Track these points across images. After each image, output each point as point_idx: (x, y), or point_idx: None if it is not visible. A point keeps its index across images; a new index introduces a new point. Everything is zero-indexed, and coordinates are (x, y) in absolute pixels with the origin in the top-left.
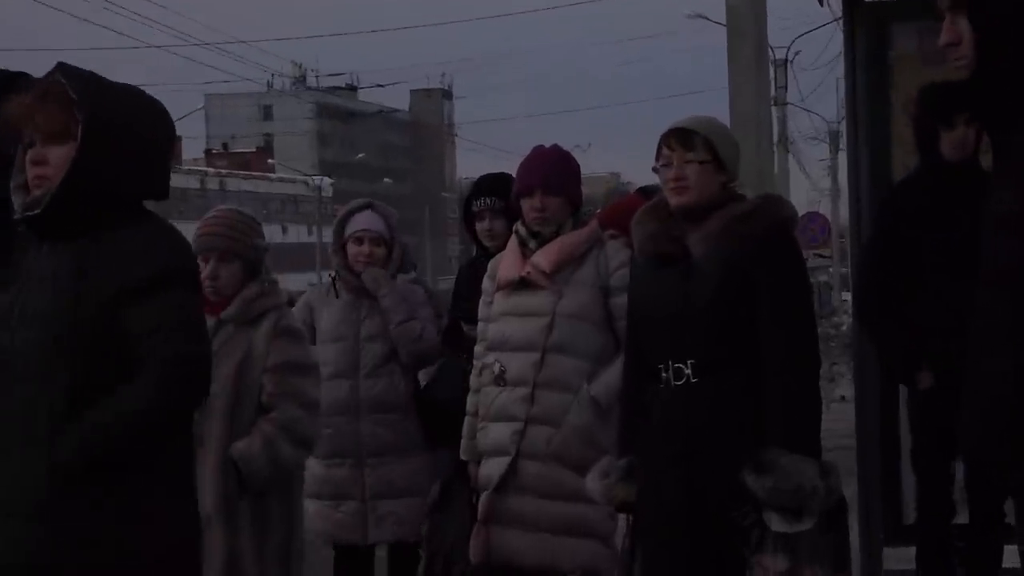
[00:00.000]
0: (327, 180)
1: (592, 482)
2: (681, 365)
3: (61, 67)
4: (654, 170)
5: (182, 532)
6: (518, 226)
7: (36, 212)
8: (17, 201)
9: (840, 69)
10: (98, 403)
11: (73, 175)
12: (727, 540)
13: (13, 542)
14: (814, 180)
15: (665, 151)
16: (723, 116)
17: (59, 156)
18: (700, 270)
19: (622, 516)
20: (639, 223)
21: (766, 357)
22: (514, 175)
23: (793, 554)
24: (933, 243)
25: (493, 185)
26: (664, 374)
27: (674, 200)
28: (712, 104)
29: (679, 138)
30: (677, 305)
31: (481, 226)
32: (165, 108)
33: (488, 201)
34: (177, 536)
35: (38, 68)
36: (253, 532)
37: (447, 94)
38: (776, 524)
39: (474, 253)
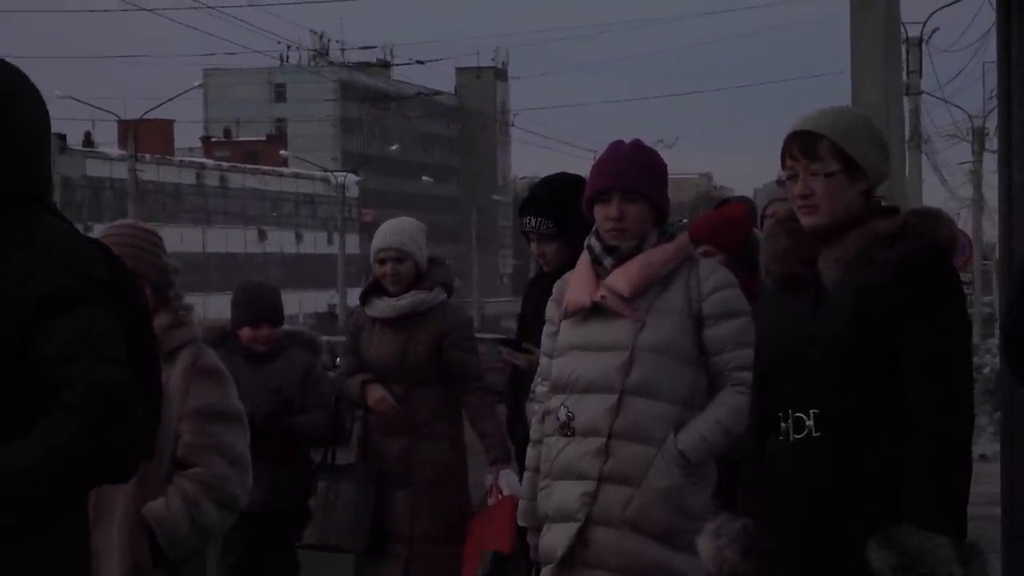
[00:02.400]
0: (352, 177)
1: (703, 542)
2: (802, 415)
3: None
4: (779, 183)
5: None
6: (591, 239)
7: None
8: None
9: (989, 51)
10: (9, 445)
11: None
12: None
13: None
14: (952, 187)
15: (789, 161)
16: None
17: None
18: (831, 300)
19: None
20: (770, 237)
21: (910, 409)
22: (582, 175)
23: None
24: None
25: (544, 202)
26: (783, 424)
27: (804, 220)
28: (831, 91)
29: (802, 145)
30: (802, 341)
31: (533, 247)
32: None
33: (533, 222)
34: None
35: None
36: None
37: (501, 74)
38: None
39: (536, 270)
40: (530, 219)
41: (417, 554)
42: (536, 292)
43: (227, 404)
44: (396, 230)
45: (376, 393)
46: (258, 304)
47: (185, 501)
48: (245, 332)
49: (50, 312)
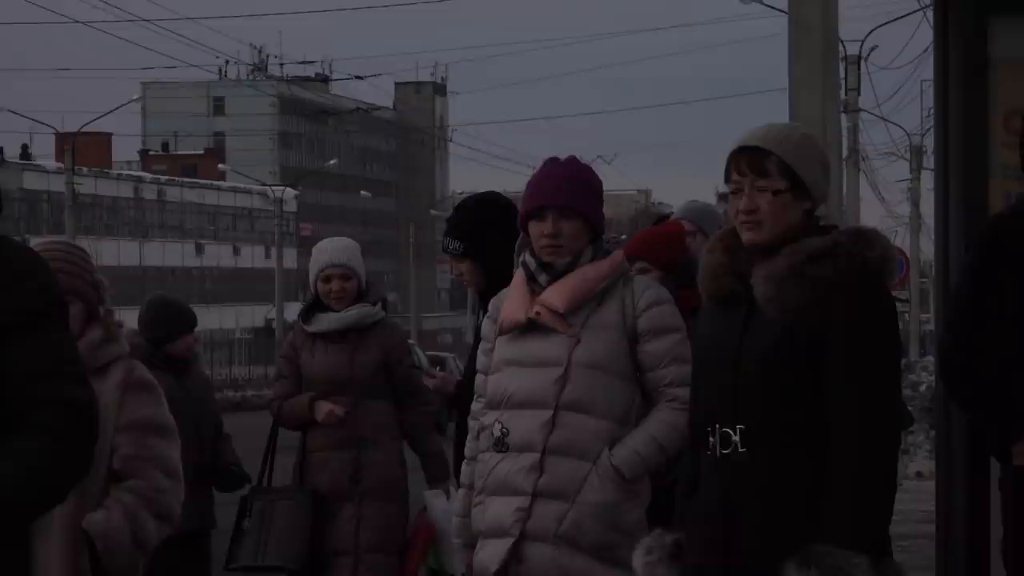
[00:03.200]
0: (290, 191)
1: (636, 558)
2: (729, 431)
3: None
4: (721, 196)
5: None
6: (526, 256)
7: None
8: None
9: (927, 70)
10: None
11: None
12: None
13: None
14: (890, 205)
15: (734, 176)
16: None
17: None
18: (761, 317)
19: None
20: (709, 252)
21: (833, 427)
22: (501, 193)
23: None
24: None
25: (454, 223)
26: (711, 439)
27: (745, 236)
28: (771, 108)
29: (750, 161)
30: (731, 357)
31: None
32: None
33: (446, 242)
34: None
35: None
36: None
37: (439, 89)
38: None
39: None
40: (445, 240)
41: (365, 563)
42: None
43: (162, 417)
44: (341, 248)
45: (325, 407)
46: (186, 313)
47: (125, 514)
48: (187, 340)
49: (18, 330)
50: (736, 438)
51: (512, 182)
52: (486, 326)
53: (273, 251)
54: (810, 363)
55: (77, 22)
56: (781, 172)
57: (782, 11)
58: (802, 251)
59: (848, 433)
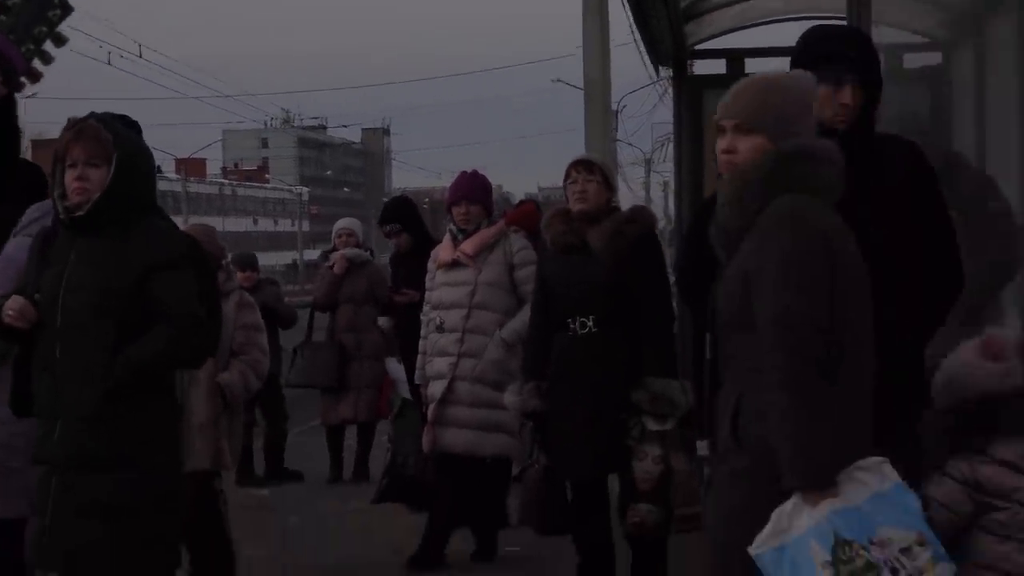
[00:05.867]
0: (305, 189)
1: (508, 397)
2: (585, 319)
3: (93, 114)
4: (564, 187)
5: (174, 437)
6: (450, 225)
7: (81, 214)
8: (60, 205)
9: (656, 116)
10: (134, 343)
11: (111, 189)
12: (617, 435)
13: (75, 440)
14: (634, 192)
15: (573, 173)
16: (580, 149)
17: (97, 176)
18: (597, 257)
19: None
20: (549, 224)
21: (643, 316)
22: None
23: (663, 444)
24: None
25: (390, 214)
26: (572, 325)
27: (577, 207)
28: (572, 142)
29: (583, 165)
30: (581, 279)
31: (393, 242)
32: (148, 148)
33: (386, 228)
34: (173, 440)
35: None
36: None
37: (387, 132)
38: (651, 425)
39: (394, 251)
40: (385, 226)
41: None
42: (398, 262)
43: (259, 321)
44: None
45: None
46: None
47: (241, 374)
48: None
49: (173, 264)
50: (590, 323)
51: (434, 181)
52: (430, 264)
53: (295, 222)
54: (627, 280)
55: (190, 97)
56: (599, 173)
57: (579, 88)
58: (618, 219)
59: (653, 316)
